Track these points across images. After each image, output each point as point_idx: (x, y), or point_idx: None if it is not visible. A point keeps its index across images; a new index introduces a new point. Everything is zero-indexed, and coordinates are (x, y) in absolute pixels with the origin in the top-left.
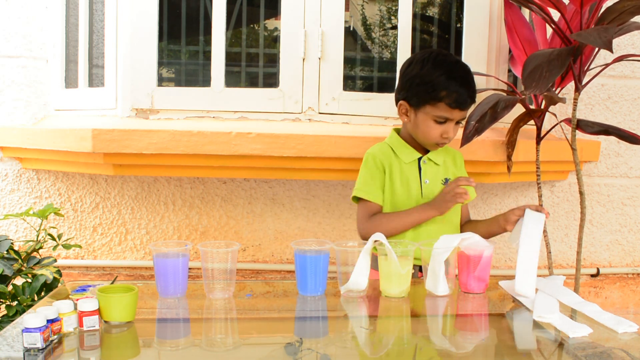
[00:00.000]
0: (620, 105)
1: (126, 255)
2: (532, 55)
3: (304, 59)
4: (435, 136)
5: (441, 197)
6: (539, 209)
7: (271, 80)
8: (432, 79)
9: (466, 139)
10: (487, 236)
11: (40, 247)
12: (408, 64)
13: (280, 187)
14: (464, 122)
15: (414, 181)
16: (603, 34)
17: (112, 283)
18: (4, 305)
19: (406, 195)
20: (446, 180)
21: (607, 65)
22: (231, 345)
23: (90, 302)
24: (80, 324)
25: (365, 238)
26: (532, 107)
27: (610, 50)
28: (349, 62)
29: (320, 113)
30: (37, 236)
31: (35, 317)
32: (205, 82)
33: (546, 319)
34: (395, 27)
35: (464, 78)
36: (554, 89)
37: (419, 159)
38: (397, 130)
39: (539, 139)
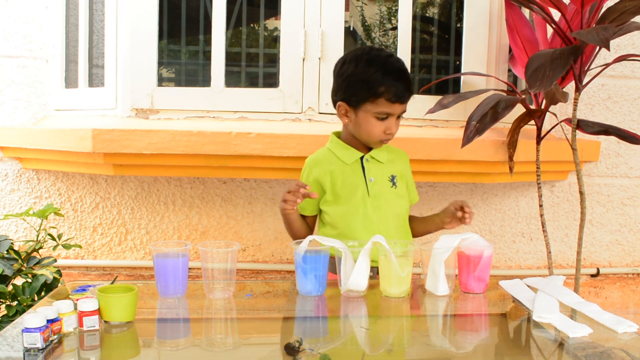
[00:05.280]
0: (620, 105)
1: (126, 255)
2: (534, 55)
3: (304, 59)
4: (378, 133)
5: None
6: (462, 205)
7: (271, 80)
8: (369, 76)
9: (467, 139)
10: (423, 234)
11: (40, 247)
12: (341, 64)
13: (280, 187)
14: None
15: (359, 181)
16: (602, 33)
17: (112, 283)
18: (4, 305)
19: (351, 196)
20: (392, 177)
21: (607, 65)
22: (231, 345)
23: (90, 302)
24: (80, 324)
25: None
26: (533, 107)
27: (608, 48)
28: None
29: (320, 113)
30: (37, 236)
31: (35, 317)
32: (205, 82)
33: (546, 319)
34: (395, 27)
35: (399, 71)
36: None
37: (361, 158)
38: (337, 134)
39: (539, 139)
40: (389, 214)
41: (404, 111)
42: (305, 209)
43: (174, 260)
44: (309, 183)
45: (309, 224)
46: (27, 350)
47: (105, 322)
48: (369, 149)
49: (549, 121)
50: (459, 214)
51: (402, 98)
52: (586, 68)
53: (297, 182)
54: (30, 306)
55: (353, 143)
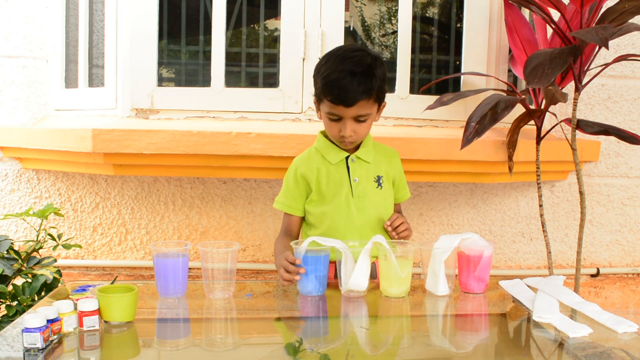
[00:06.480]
0: (620, 105)
1: (126, 255)
2: (534, 54)
3: (304, 59)
4: (334, 134)
5: (277, 264)
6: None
7: (271, 80)
8: (321, 75)
9: (466, 141)
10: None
11: (40, 247)
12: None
13: (280, 187)
14: (375, 118)
15: (344, 180)
16: (601, 32)
17: (112, 283)
18: (4, 305)
19: (335, 196)
20: (378, 177)
21: (607, 65)
22: (231, 345)
23: (90, 302)
24: (80, 324)
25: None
26: (532, 107)
27: (607, 47)
28: None
29: None
30: (37, 236)
31: (35, 317)
32: (205, 82)
33: (546, 319)
34: (395, 28)
35: (350, 72)
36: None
37: (347, 158)
38: (324, 132)
39: (539, 139)
40: (373, 215)
41: (362, 114)
42: (296, 209)
43: (174, 260)
44: (297, 180)
45: (299, 224)
46: (27, 350)
47: (105, 322)
48: (356, 148)
49: (548, 121)
50: (393, 234)
51: (344, 101)
52: (586, 68)
53: (286, 255)
54: (30, 306)
55: None
